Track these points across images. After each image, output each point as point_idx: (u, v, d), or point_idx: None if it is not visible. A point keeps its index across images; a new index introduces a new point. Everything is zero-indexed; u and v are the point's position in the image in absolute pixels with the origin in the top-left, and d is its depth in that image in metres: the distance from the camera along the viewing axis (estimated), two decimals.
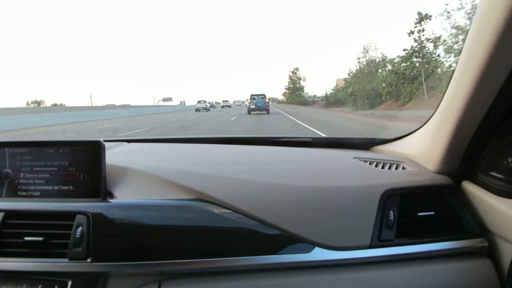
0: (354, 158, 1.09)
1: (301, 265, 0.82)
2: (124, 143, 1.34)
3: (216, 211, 0.84)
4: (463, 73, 0.77)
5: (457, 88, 0.80)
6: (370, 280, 0.81)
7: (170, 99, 63.37)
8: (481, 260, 0.85)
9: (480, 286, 0.83)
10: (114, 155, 1.11)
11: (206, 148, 1.30)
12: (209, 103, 47.36)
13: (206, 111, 38.32)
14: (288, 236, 0.82)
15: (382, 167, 1.02)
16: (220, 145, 1.33)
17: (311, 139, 1.38)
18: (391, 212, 0.86)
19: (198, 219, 0.83)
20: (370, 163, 1.04)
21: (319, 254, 0.82)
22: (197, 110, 38.39)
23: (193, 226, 0.83)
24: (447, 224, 0.88)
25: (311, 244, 0.82)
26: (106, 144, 0.93)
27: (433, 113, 0.96)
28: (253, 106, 25.48)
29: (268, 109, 25.77)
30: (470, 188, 0.89)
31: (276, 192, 0.89)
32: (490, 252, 0.86)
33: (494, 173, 0.83)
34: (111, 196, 0.91)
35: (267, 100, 26.80)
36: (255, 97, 26.09)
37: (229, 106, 53.94)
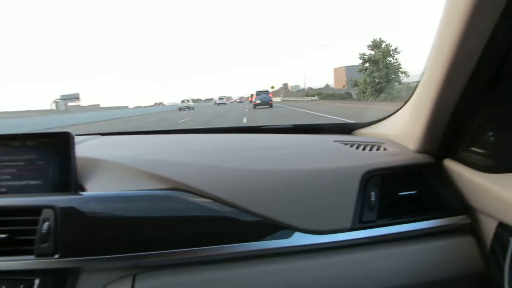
0: (335, 141, 1.08)
1: (281, 250, 0.79)
2: (99, 136, 1.31)
3: (193, 200, 0.81)
4: (438, 52, 0.75)
5: (434, 66, 0.78)
6: (352, 262, 0.80)
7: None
8: (463, 237, 0.84)
9: (463, 262, 0.82)
10: (87, 148, 1.08)
11: (183, 138, 1.28)
12: (192, 102, 47.77)
13: (190, 109, 39.03)
14: (267, 222, 0.80)
15: (363, 149, 1.00)
16: (198, 135, 1.31)
17: (292, 126, 1.36)
18: (372, 193, 0.84)
19: (174, 209, 0.81)
20: (351, 146, 1.03)
21: (300, 239, 0.79)
22: (180, 109, 39.86)
23: (169, 216, 0.80)
24: (429, 202, 0.86)
25: (291, 229, 0.80)
26: (79, 138, 0.90)
27: (413, 93, 0.95)
28: (259, 101, 28.41)
29: (272, 103, 28.43)
30: (452, 165, 0.88)
31: (254, 178, 0.86)
32: (473, 228, 0.85)
33: (474, 149, 0.82)
34: (83, 189, 0.87)
35: (270, 95, 29.78)
36: (260, 93, 28.96)
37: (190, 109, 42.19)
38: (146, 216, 0.79)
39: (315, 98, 37.26)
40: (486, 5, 0.63)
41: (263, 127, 1.40)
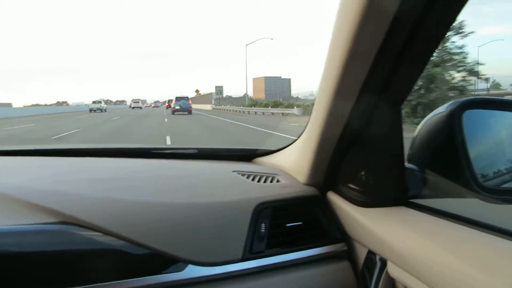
0: (234, 171, 1.12)
1: (175, 283, 0.80)
2: None
3: (83, 234, 0.77)
4: (321, 92, 0.84)
5: (318, 105, 0.87)
6: None
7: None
8: (342, 263, 0.94)
9: (341, 285, 0.92)
10: None
11: (78, 162, 1.21)
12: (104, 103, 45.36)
13: (102, 111, 37.16)
14: (160, 255, 0.80)
15: (258, 180, 1.06)
16: (94, 159, 1.25)
17: (196, 151, 1.37)
18: (263, 224, 0.90)
19: (62, 244, 0.76)
20: (248, 177, 1.08)
21: (192, 272, 0.81)
22: (91, 110, 38.01)
23: (56, 252, 0.75)
24: (313, 232, 0.95)
25: (184, 262, 0.81)
26: None
27: (305, 127, 1.03)
28: (178, 107, 27.75)
29: (191, 110, 27.86)
30: (333, 198, 0.98)
31: (148, 210, 0.86)
32: (349, 255, 0.95)
33: (351, 185, 0.92)
34: None
35: (190, 101, 28.81)
36: (180, 99, 28.31)
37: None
38: (30, 252, 0.73)
39: (295, 111, 23.89)
40: (360, 55, 0.71)
41: (166, 152, 1.38)
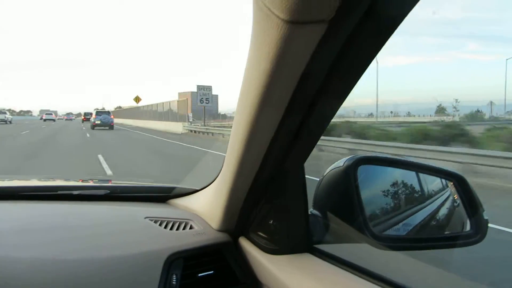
0: (146, 218, 1.09)
1: None
2: None
3: None
4: (232, 140, 0.85)
5: (230, 152, 0.89)
6: None
7: None
8: None
9: None
10: None
11: None
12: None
13: (6, 123, 33.76)
14: None
15: (171, 227, 1.05)
16: None
17: (107, 191, 1.31)
18: (174, 276, 0.89)
19: None
20: (161, 223, 1.06)
21: None
22: None
23: None
24: (225, 280, 0.97)
25: None
26: None
27: (220, 171, 1.04)
28: (99, 122, 26.09)
29: (113, 125, 26.32)
30: (245, 244, 1.01)
31: (50, 269, 0.80)
32: None
33: (260, 233, 0.96)
34: None
35: (111, 116, 27.21)
36: (101, 113, 26.81)
37: None
38: None
39: None
40: (271, 110, 0.71)
41: (74, 194, 1.28)
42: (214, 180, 1.10)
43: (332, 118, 0.77)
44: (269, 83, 0.64)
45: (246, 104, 0.73)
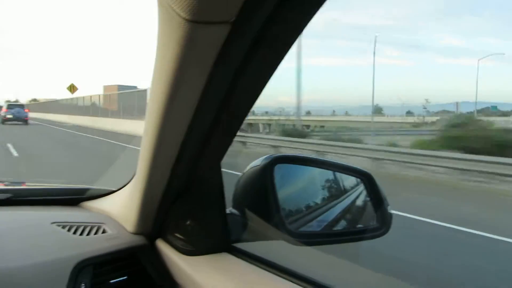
0: (53, 223, 1.00)
1: None
2: None
3: None
4: (145, 138, 0.82)
5: (142, 152, 0.85)
6: None
7: None
8: None
9: None
10: None
11: None
12: None
13: None
14: None
15: (81, 233, 0.98)
16: None
17: (11, 195, 1.16)
18: (83, 285, 0.83)
19: None
20: (69, 229, 0.98)
21: None
22: None
23: None
24: (140, 285, 0.92)
25: None
26: None
27: (135, 172, 0.99)
28: (10, 116, 23.45)
29: (27, 120, 23.68)
30: (162, 246, 0.97)
31: None
32: None
33: (177, 234, 0.93)
34: None
35: (26, 110, 24.74)
36: (13, 106, 23.91)
37: None
38: None
39: None
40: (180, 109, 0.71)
41: None
42: (129, 181, 1.05)
43: (246, 116, 0.78)
44: (175, 83, 0.64)
45: (155, 103, 0.71)
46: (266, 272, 0.81)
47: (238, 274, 0.83)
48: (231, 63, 0.63)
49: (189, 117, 0.71)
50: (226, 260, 0.88)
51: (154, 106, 0.71)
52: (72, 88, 30.00)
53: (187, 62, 0.60)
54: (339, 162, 1.07)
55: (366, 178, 1.00)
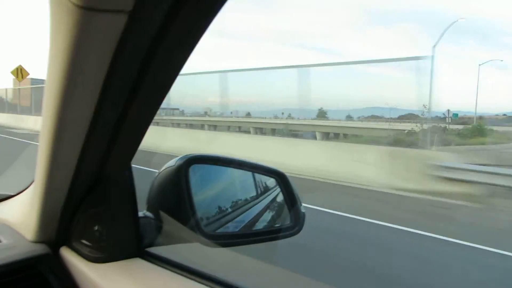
0: None
1: None
2: None
3: None
4: (42, 138, 0.74)
5: (41, 151, 0.77)
6: None
7: None
8: None
9: None
10: None
11: None
12: None
13: None
14: None
15: None
16: None
17: None
18: None
19: None
20: None
21: None
22: None
23: None
24: None
25: None
26: None
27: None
28: None
29: None
30: (67, 254, 0.90)
31: None
32: None
33: (84, 241, 0.87)
34: None
35: None
36: None
37: None
38: None
39: None
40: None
41: None
42: (29, 185, 0.95)
43: (156, 112, 0.75)
44: (70, 75, 0.59)
45: (51, 97, 0.65)
46: (179, 276, 0.79)
47: (149, 280, 0.80)
48: (134, 55, 0.60)
49: (90, 113, 0.66)
50: (138, 265, 0.84)
51: (50, 100, 0.66)
52: (19, 74, 20.50)
53: (83, 52, 0.56)
54: (255, 162, 1.08)
55: (279, 178, 1.03)
